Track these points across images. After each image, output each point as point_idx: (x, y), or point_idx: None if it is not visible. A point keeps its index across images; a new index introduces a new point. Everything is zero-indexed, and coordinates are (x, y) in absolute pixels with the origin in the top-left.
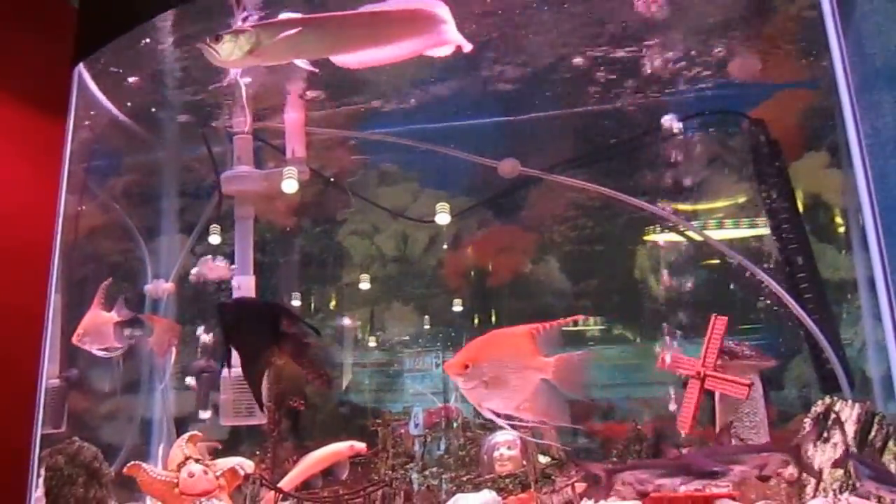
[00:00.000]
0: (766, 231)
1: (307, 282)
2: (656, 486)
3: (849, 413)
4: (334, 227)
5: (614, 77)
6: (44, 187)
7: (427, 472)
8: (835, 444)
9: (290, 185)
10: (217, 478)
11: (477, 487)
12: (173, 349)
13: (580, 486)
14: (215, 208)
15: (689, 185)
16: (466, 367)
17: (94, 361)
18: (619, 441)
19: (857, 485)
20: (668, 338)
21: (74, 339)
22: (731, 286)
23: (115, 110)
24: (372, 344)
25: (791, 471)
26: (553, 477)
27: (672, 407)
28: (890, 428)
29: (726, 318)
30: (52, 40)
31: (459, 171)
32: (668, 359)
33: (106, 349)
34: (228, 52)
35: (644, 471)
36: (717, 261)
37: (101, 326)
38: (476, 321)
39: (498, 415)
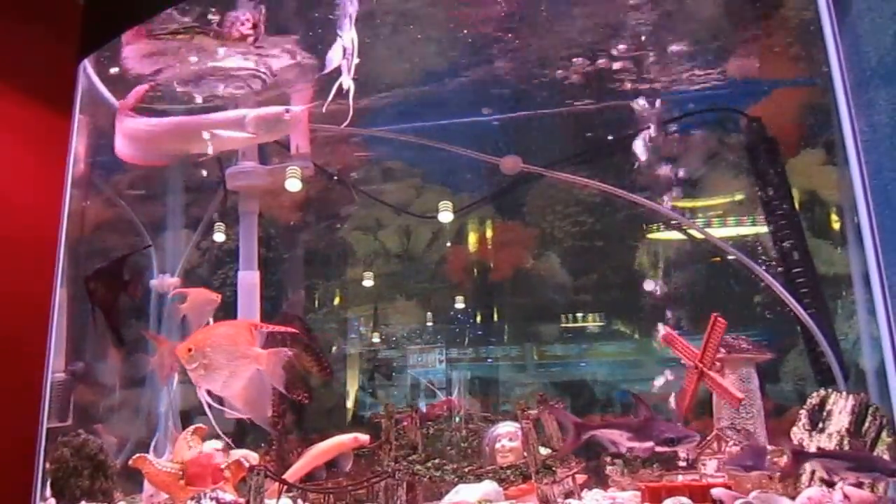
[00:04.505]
0: (763, 227)
1: (311, 276)
2: (627, 448)
3: (843, 404)
4: (338, 222)
5: (613, 75)
6: (49, 182)
7: (430, 464)
8: (829, 435)
9: (293, 185)
10: (222, 469)
11: (479, 478)
12: (175, 374)
13: (581, 478)
14: (220, 203)
15: (687, 182)
16: (190, 350)
17: (99, 355)
18: None
19: (838, 481)
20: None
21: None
22: (730, 281)
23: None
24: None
25: (787, 460)
26: (554, 468)
27: (671, 401)
28: (883, 419)
29: (725, 321)
30: (58, 36)
31: (462, 168)
32: (662, 332)
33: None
34: None
35: (613, 431)
36: (717, 257)
37: (204, 305)
38: (478, 316)
39: (212, 400)
